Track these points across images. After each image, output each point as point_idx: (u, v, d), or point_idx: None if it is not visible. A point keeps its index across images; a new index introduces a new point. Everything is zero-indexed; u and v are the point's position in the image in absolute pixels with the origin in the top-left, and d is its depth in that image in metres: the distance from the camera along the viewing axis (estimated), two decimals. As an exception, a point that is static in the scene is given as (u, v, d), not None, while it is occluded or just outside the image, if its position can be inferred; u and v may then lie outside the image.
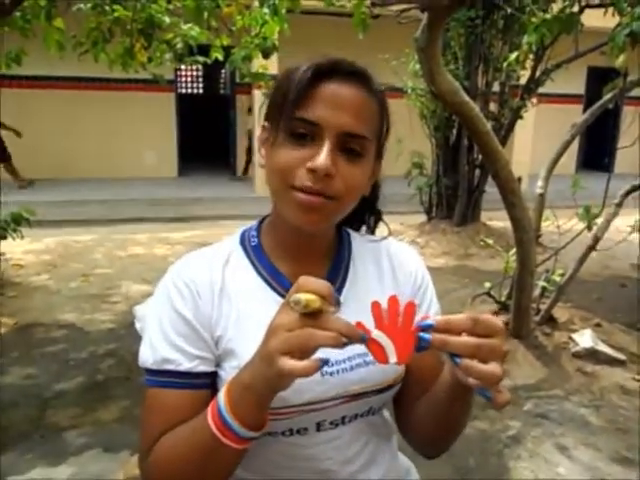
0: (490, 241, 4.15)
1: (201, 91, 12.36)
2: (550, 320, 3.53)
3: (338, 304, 0.62)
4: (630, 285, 4.86)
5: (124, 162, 9.20)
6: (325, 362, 0.59)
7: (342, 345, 0.59)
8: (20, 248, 4.99)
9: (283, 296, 0.77)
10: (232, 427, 0.65)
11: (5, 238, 4.16)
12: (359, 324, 0.61)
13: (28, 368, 3.04)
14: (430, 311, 0.87)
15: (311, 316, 0.59)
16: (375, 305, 0.63)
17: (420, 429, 0.84)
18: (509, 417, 2.68)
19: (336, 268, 0.83)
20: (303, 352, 0.59)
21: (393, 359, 0.61)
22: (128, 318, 3.47)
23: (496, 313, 3.67)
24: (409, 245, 0.93)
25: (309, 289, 0.60)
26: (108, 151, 9.11)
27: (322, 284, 0.61)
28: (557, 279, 3.47)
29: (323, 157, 0.69)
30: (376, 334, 0.62)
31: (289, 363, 0.58)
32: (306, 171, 0.70)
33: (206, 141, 10.41)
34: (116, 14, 3.70)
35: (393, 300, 0.62)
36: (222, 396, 0.66)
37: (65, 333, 3.54)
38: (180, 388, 0.74)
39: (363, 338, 0.60)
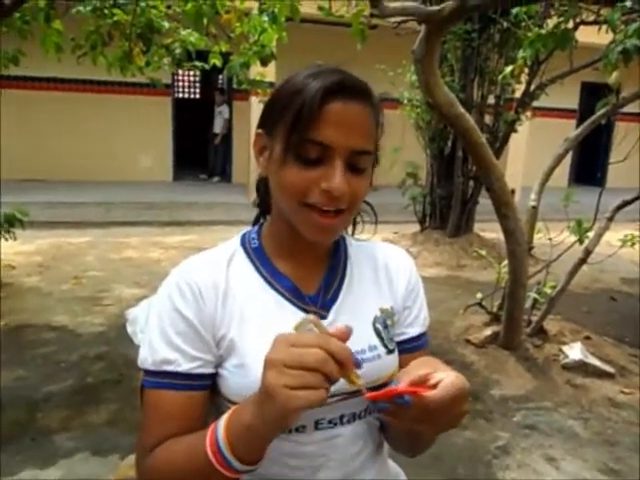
0: (483, 252, 4.18)
1: (198, 96, 12.40)
2: (541, 332, 3.56)
3: (359, 366, 0.63)
4: (620, 299, 4.91)
5: (119, 165, 9.19)
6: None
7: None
8: (12, 249, 4.96)
9: (284, 296, 0.80)
10: (229, 462, 0.65)
11: (-3, 239, 4.15)
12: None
13: (18, 370, 3.02)
14: (419, 316, 0.90)
15: None
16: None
17: (390, 436, 0.87)
18: (498, 428, 2.70)
19: (333, 270, 0.85)
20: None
21: (361, 382, 0.63)
22: (120, 321, 3.46)
23: (487, 324, 3.70)
24: (402, 249, 0.95)
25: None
26: (103, 153, 9.10)
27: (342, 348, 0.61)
28: (548, 291, 3.50)
29: (338, 179, 0.72)
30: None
31: (299, 394, 0.57)
32: (320, 191, 0.73)
33: (202, 146, 10.41)
34: (115, 18, 3.72)
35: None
36: (221, 430, 0.66)
37: (56, 335, 3.52)
38: (179, 390, 0.75)
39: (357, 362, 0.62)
